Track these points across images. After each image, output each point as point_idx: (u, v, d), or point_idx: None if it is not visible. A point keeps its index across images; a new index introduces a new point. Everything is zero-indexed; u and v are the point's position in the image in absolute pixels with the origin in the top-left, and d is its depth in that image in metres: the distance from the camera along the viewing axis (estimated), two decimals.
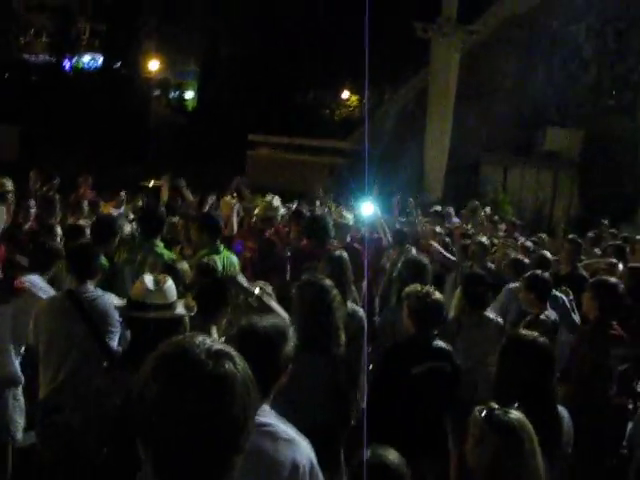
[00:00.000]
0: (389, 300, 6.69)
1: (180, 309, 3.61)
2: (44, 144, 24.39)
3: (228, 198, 9.37)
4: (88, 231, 6.89)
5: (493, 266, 8.10)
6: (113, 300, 4.60)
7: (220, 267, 5.99)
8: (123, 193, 10.67)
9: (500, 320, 5.81)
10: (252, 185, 14.31)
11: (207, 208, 8.89)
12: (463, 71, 21.99)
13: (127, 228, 7.61)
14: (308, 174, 23.42)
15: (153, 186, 12.39)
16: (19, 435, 5.03)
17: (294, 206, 10.97)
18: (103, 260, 5.72)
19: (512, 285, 6.68)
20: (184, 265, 5.61)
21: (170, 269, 5.07)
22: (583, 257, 9.20)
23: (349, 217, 8.37)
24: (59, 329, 4.66)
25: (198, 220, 6.88)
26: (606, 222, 13.53)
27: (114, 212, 9.43)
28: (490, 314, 5.80)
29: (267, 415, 2.66)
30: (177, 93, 36.37)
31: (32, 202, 8.22)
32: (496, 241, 9.78)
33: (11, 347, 4.89)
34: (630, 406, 5.57)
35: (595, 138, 21.57)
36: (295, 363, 2.94)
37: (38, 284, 5.25)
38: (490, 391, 3.63)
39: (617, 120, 21.77)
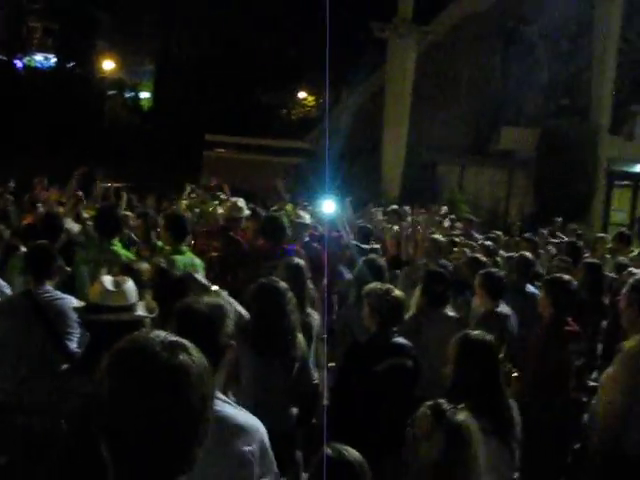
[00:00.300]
0: (347, 298, 6.74)
1: (140, 311, 3.55)
2: None
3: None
4: None
5: (449, 264, 8.14)
6: (72, 302, 4.53)
7: (181, 267, 5.98)
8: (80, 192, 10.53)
9: (457, 316, 5.87)
10: (208, 185, 14.30)
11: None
12: (420, 71, 22.13)
13: (75, 227, 7.48)
14: (265, 174, 23.38)
15: (113, 186, 12.26)
16: None
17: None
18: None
19: None
20: (143, 265, 5.58)
21: (128, 269, 5.02)
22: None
23: (306, 216, 8.39)
24: (16, 330, 4.58)
25: (165, 220, 6.92)
26: (560, 220, 13.72)
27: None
28: (449, 311, 5.85)
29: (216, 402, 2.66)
30: (132, 93, 35.99)
31: None
32: (457, 240, 9.84)
33: None
34: (585, 399, 5.66)
35: (549, 137, 21.86)
36: (253, 366, 2.94)
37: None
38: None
39: (570, 120, 22.09)
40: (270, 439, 2.84)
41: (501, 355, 4.03)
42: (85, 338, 4.40)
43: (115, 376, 1.62)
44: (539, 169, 22.21)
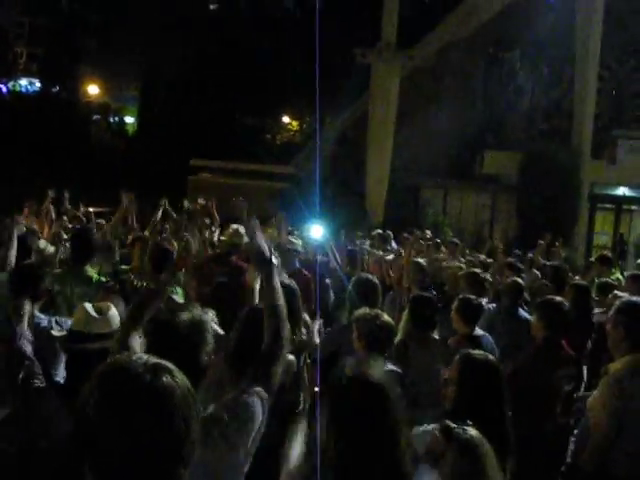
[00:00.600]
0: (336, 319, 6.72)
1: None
2: None
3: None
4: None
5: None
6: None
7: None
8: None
9: (441, 337, 5.87)
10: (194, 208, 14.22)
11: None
12: (403, 96, 22.26)
13: (50, 248, 7.36)
14: (249, 198, 23.36)
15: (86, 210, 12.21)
16: None
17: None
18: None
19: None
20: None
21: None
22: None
23: (298, 242, 8.36)
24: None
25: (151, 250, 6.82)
26: (543, 242, 13.76)
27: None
28: (435, 335, 5.84)
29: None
30: (117, 118, 35.99)
31: None
32: (444, 264, 9.85)
33: None
34: (571, 422, 5.65)
35: (531, 162, 22.02)
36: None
37: None
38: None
39: (552, 145, 22.29)
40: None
41: None
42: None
43: (97, 397, 1.62)
44: (522, 193, 22.34)
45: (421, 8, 21.30)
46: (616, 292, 7.61)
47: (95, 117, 33.34)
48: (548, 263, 11.02)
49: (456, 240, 14.07)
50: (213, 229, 10.43)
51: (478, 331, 6.05)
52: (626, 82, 24.23)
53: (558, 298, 5.85)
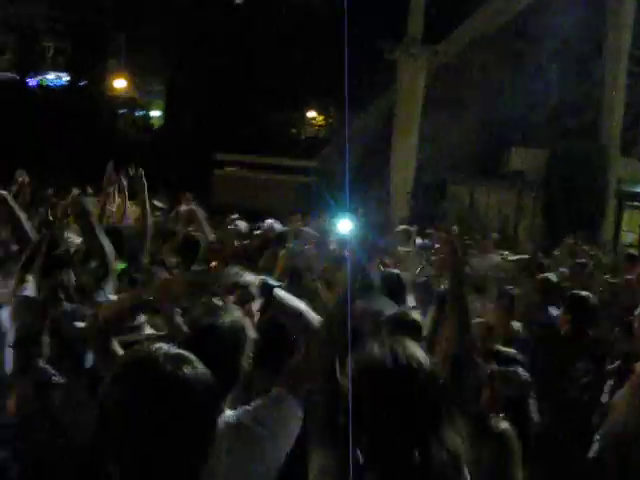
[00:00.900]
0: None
1: (149, 330, 3.56)
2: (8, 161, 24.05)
3: None
4: None
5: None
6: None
7: None
8: None
9: None
10: (219, 204, 14.29)
11: None
12: (429, 91, 22.18)
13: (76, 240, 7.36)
14: (275, 193, 23.47)
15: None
16: None
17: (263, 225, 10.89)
18: None
19: None
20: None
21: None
22: None
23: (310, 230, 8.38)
24: None
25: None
26: (571, 241, 13.65)
27: None
28: None
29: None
30: (143, 112, 36.14)
31: None
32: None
33: None
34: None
35: (558, 158, 21.85)
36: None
37: None
38: None
39: (579, 141, 22.10)
40: None
41: None
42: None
43: (118, 387, 1.63)
44: (549, 190, 22.18)
45: (447, 3, 21.11)
46: None
47: (121, 111, 33.52)
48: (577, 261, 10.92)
49: (495, 234, 14.00)
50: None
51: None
52: None
53: (584, 292, 5.86)
